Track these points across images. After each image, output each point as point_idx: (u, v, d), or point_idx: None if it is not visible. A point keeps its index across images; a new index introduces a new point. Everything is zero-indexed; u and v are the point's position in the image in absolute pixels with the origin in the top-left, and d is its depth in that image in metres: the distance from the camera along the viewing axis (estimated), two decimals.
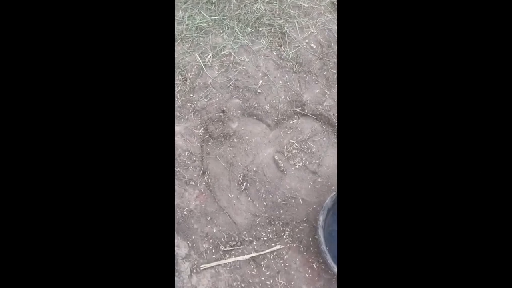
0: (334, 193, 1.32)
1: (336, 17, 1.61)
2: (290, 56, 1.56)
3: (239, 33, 1.55)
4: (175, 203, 1.36)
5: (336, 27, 1.64)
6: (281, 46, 1.58)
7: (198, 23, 1.54)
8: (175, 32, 1.53)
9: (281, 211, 1.39)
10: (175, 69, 1.47)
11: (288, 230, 1.37)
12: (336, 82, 1.56)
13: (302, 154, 1.47)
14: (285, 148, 1.46)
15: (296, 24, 1.59)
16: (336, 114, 1.51)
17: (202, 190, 1.40)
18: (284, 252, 1.34)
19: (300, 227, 1.38)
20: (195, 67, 1.51)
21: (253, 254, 1.33)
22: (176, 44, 1.52)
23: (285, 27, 1.58)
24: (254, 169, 1.43)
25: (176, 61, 1.49)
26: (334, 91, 1.56)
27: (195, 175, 1.41)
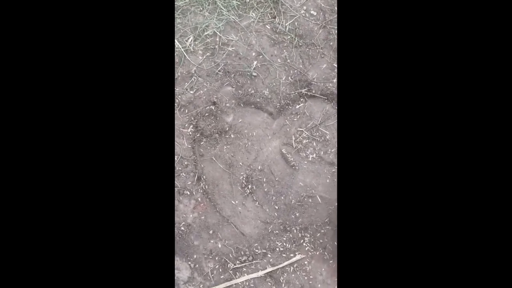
0: None
1: None
2: (287, 29, 1.49)
3: (222, 8, 1.50)
4: None
5: None
6: (275, 17, 1.51)
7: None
8: None
9: (297, 214, 1.34)
10: None
11: (308, 235, 1.32)
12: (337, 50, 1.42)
13: (314, 144, 1.41)
14: (294, 138, 1.41)
15: None
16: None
17: (199, 199, 1.34)
18: (306, 262, 1.29)
19: (322, 231, 1.32)
20: (176, 53, 1.37)
21: (270, 269, 1.27)
22: None
23: None
24: (259, 167, 1.38)
25: None
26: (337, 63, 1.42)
27: (189, 183, 1.37)
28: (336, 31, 1.46)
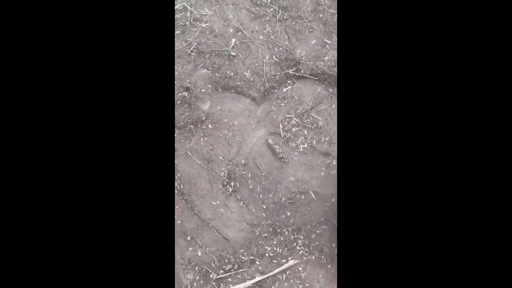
0: None
1: None
2: (270, 0, 1.38)
3: None
4: None
5: None
6: None
7: None
8: None
9: (288, 214, 1.26)
10: None
11: (302, 238, 1.24)
12: (337, 27, 1.43)
13: (306, 131, 1.31)
14: (281, 126, 1.32)
15: None
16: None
17: (175, 200, 1.28)
18: (300, 268, 1.22)
19: (318, 232, 1.24)
20: None
21: (259, 278, 1.20)
22: None
23: None
24: (243, 162, 1.30)
25: None
26: (337, 38, 1.42)
27: None
28: (327, 1, 1.36)
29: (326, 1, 1.34)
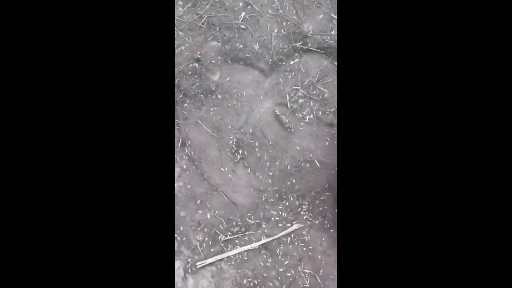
0: None
1: None
2: None
3: None
4: None
5: None
6: None
7: None
8: None
9: (294, 181, 1.35)
10: None
11: (307, 203, 1.34)
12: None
13: (312, 103, 1.40)
14: (288, 98, 1.40)
15: None
16: None
17: (184, 167, 1.34)
18: (304, 232, 1.31)
19: (322, 198, 1.34)
20: None
21: (264, 240, 1.29)
22: None
23: None
24: (250, 131, 1.38)
25: None
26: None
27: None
28: None
29: None
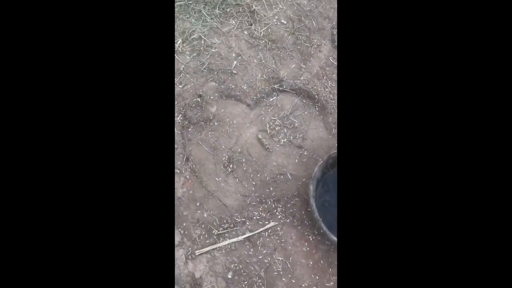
0: (321, 161, 1.64)
1: None
2: (262, 34, 1.91)
3: (206, 16, 1.91)
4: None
5: (304, 1, 1.88)
6: (251, 25, 1.94)
7: None
8: None
9: (271, 189, 1.68)
10: None
11: (280, 206, 1.65)
12: (310, 56, 1.94)
13: (285, 130, 1.77)
14: (268, 126, 1.77)
15: (264, 2, 1.97)
16: (318, 87, 1.83)
17: (187, 176, 1.68)
18: (278, 228, 1.61)
19: (292, 202, 1.66)
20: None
21: (248, 234, 1.58)
22: None
23: (253, 6, 1.95)
24: (239, 150, 1.73)
25: None
26: (310, 64, 1.93)
27: (178, 163, 1.72)
28: (303, 37, 1.88)
29: (303, 37, 1.89)
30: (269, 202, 1.63)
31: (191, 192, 1.63)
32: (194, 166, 1.67)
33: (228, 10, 1.89)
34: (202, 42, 1.82)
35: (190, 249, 1.54)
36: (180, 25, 1.85)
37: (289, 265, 1.53)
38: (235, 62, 1.80)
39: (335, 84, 1.81)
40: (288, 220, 1.60)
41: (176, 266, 1.53)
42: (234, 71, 1.78)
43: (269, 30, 1.89)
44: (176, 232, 1.58)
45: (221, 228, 1.57)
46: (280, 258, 1.54)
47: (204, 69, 1.78)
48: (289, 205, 1.63)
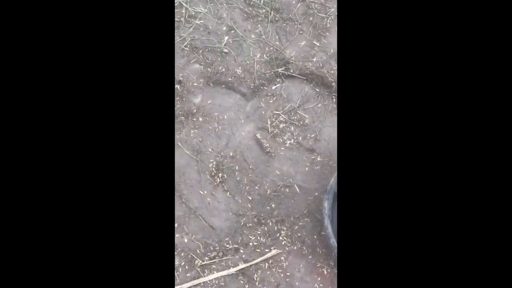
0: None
1: None
2: (262, 1, 1.67)
3: None
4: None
5: None
6: None
7: None
8: None
9: (273, 206, 1.49)
10: None
11: (285, 229, 1.47)
12: (326, 30, 1.70)
13: (292, 128, 1.56)
14: (269, 122, 1.57)
15: None
16: (336, 71, 1.65)
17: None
18: (282, 258, 1.44)
19: (300, 223, 1.48)
20: None
21: (242, 266, 1.41)
22: None
23: None
24: (231, 154, 1.53)
25: None
26: (326, 41, 1.70)
27: None
28: (317, 5, 1.68)
29: (316, 6, 1.67)
30: (271, 224, 1.47)
31: None
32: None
33: None
34: (183, 11, 1.60)
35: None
36: None
37: None
38: (226, 38, 1.59)
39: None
40: (295, 247, 1.45)
41: None
42: (225, 50, 1.59)
43: None
44: None
45: (206, 258, 1.41)
46: None
47: (185, 46, 1.58)
48: (296, 227, 1.47)
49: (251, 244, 1.43)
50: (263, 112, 1.58)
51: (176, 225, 1.47)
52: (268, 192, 1.49)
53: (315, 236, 1.46)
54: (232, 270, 1.39)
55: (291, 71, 1.60)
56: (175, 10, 1.63)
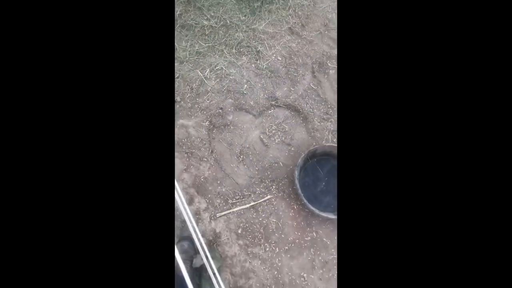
0: (303, 155, 1.97)
1: (293, 38, 2.37)
2: (264, 67, 2.27)
3: (226, 54, 2.26)
4: (194, 173, 1.99)
5: (294, 44, 2.38)
6: (257, 60, 2.30)
7: (197, 49, 2.30)
8: (181, 56, 2.24)
9: (268, 173, 2.02)
10: (185, 82, 2.17)
11: (275, 185, 2.01)
12: (297, 82, 2.29)
13: (279, 133, 2.15)
14: (267, 130, 2.13)
15: (266, 45, 2.35)
16: (306, 102, 2.19)
17: (212, 163, 2.04)
18: (273, 200, 1.96)
19: (283, 182, 2.01)
20: (198, 79, 2.22)
21: (252, 203, 1.93)
22: (183, 64, 2.23)
23: (259, 47, 2.33)
24: (247, 146, 2.08)
25: (185, 76, 2.20)
26: (297, 87, 2.26)
27: (206, 154, 2.06)
28: (292, 69, 2.19)
29: (292, 69, 2.23)
30: (267, 182, 1.96)
31: (214, 174, 1.96)
32: (216, 156, 2.01)
33: (241, 50, 2.30)
34: (223, 71, 2.19)
35: (213, 212, 1.88)
36: (208, 59, 2.20)
37: (280, 225, 1.88)
38: (245, 86, 2.14)
39: (314, 102, 2.24)
40: (280, 195, 1.94)
41: (203, 224, 1.85)
42: (245, 92, 2.12)
43: (269, 64, 2.26)
44: (203, 201, 1.89)
45: (234, 199, 1.91)
46: (274, 220, 1.89)
47: (224, 90, 2.11)
48: (280, 184, 1.97)
49: (257, 192, 1.89)
50: (264, 124, 2.08)
51: (218, 182, 1.88)
52: (266, 166, 1.95)
53: (290, 189, 1.92)
54: (247, 206, 1.85)
55: (279, 103, 2.14)
56: (218, 72, 2.15)
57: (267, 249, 1.86)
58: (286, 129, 2.18)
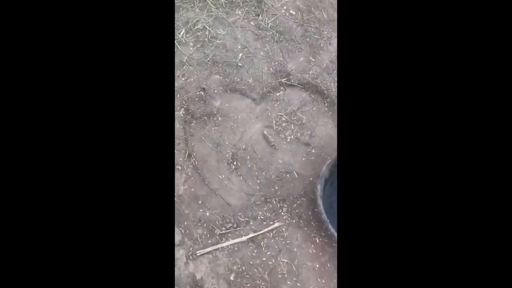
0: (329, 160, 1.62)
1: None
2: (269, 25, 1.86)
3: (211, 6, 1.86)
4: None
5: None
6: (258, 15, 1.88)
7: None
8: None
9: (276, 188, 1.67)
10: None
11: (286, 206, 1.64)
12: (320, 49, 1.89)
13: (292, 127, 1.74)
14: (274, 122, 1.74)
15: None
16: (328, 82, 1.83)
17: (189, 173, 1.66)
18: (283, 229, 1.59)
19: (298, 202, 1.65)
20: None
21: (251, 235, 1.57)
22: None
23: None
24: (243, 147, 1.71)
25: None
26: (320, 57, 1.90)
27: (180, 159, 1.69)
28: (313, 29, 1.84)
29: (312, 29, 1.84)
30: (274, 202, 1.62)
31: (192, 190, 1.61)
32: (196, 163, 1.64)
33: None
34: (207, 33, 1.78)
35: (191, 249, 1.52)
36: (183, 14, 1.81)
37: (294, 268, 1.52)
38: (240, 55, 1.77)
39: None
40: (294, 221, 1.60)
41: (176, 266, 1.51)
42: (240, 64, 1.75)
43: (277, 21, 1.85)
44: (177, 231, 1.57)
45: (223, 228, 1.55)
46: (285, 260, 1.53)
47: (208, 61, 1.75)
48: (295, 205, 1.62)
49: (259, 218, 1.56)
50: (269, 114, 1.73)
51: (199, 202, 1.57)
52: (272, 177, 1.63)
53: (309, 212, 1.59)
54: (244, 238, 1.52)
55: (292, 81, 1.77)
56: (200, 32, 1.77)
57: None
58: (303, 121, 1.75)
